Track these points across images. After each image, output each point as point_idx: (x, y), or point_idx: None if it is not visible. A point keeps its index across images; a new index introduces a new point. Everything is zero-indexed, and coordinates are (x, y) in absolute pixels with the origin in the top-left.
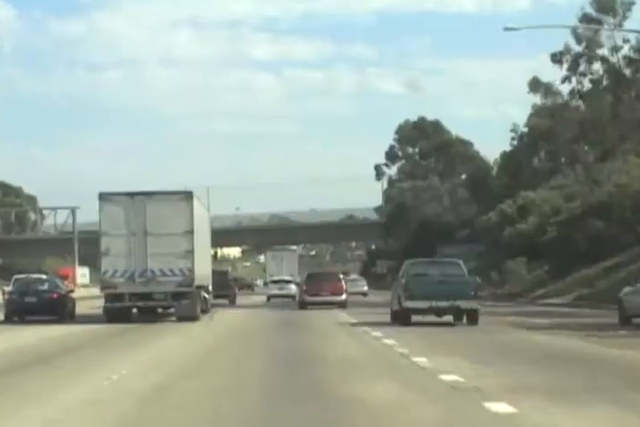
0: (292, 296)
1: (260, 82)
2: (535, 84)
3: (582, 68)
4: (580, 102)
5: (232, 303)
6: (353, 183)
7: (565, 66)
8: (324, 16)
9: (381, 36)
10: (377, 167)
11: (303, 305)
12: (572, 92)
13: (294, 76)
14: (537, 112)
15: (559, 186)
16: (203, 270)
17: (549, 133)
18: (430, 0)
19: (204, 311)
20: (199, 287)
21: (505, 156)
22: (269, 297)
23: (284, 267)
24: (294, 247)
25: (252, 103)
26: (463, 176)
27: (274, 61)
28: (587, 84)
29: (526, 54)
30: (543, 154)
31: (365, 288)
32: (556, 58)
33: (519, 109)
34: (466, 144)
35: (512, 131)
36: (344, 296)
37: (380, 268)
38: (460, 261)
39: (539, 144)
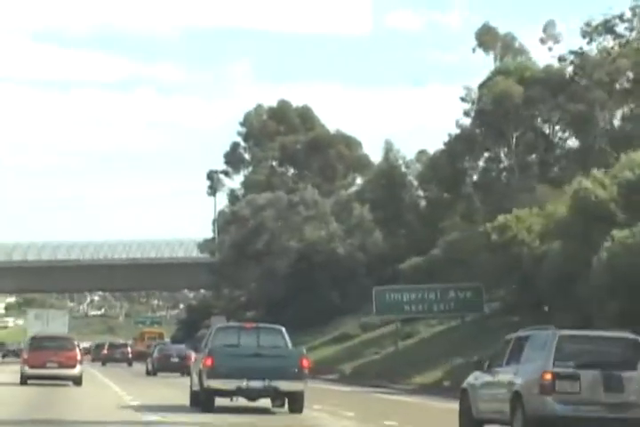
0: None
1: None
2: (488, 35)
3: None
4: None
5: None
6: (162, 204)
7: None
8: (122, 29)
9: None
10: (211, 175)
11: (24, 379)
12: None
13: (85, 98)
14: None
15: None
16: None
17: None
18: (249, 16)
19: None
20: None
21: (440, 153)
22: None
23: (50, 331)
24: (70, 304)
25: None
26: (353, 189)
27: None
28: None
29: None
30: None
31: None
32: None
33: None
34: (352, 142)
35: (463, 99)
36: (78, 369)
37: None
38: (282, 329)
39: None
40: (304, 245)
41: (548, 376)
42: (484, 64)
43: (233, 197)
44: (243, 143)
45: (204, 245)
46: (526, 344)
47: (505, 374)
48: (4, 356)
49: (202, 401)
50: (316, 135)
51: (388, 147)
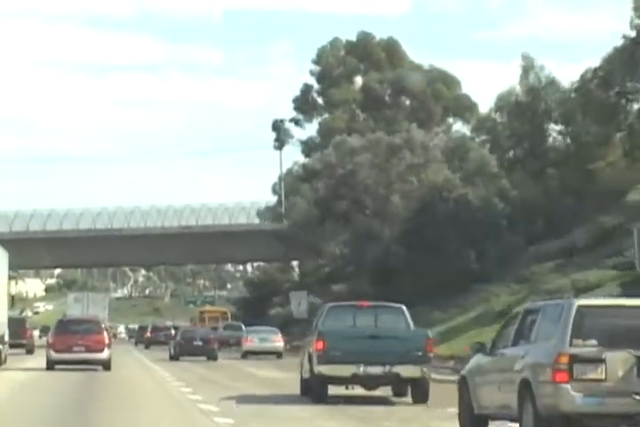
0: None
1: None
2: None
3: None
4: None
5: (30, 353)
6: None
7: None
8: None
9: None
10: (277, 125)
11: (50, 365)
12: None
13: (121, 82)
14: None
15: None
16: None
17: None
18: None
19: None
20: None
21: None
22: None
23: (90, 313)
24: (112, 285)
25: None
26: (455, 127)
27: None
28: None
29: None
30: None
31: (280, 345)
32: None
33: None
34: (450, 80)
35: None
36: (106, 353)
37: (296, 306)
38: (403, 307)
39: None
40: (423, 192)
41: (564, 359)
42: None
43: (307, 147)
44: (316, 85)
45: (265, 213)
46: (537, 319)
47: (511, 358)
48: None
49: (313, 390)
50: (407, 71)
51: (527, 64)
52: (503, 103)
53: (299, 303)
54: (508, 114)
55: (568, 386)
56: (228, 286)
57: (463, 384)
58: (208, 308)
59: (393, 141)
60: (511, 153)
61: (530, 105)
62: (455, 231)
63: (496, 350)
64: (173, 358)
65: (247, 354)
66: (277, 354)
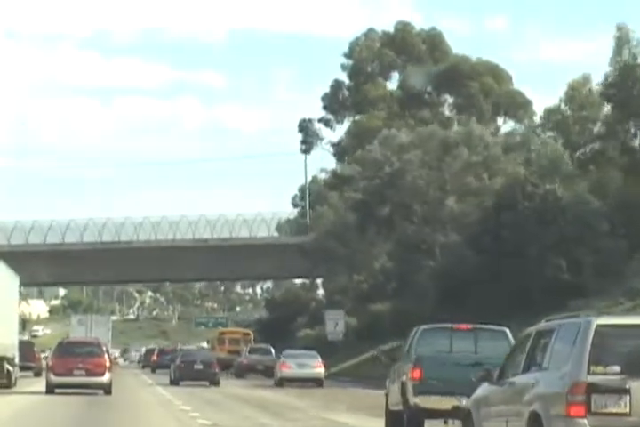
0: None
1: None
2: None
3: None
4: None
5: (37, 375)
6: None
7: None
8: (167, 34)
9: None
10: (304, 126)
11: (50, 388)
12: None
13: (126, 107)
14: None
15: None
16: (4, 339)
17: None
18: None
19: (7, 386)
20: None
21: None
22: None
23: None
24: (118, 307)
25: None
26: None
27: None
28: None
29: None
30: None
31: (321, 371)
32: None
33: None
34: (500, 74)
35: None
36: (107, 377)
37: (332, 327)
38: (506, 330)
39: None
40: (501, 187)
41: (581, 389)
42: None
43: (339, 150)
44: (348, 81)
45: (285, 225)
46: (551, 341)
47: (520, 387)
48: None
49: (407, 424)
50: (451, 65)
51: (622, 36)
52: (575, 93)
53: (335, 324)
54: (580, 105)
55: (585, 421)
56: (237, 308)
57: (467, 419)
58: (229, 329)
59: (448, 136)
60: (587, 148)
61: (622, 87)
62: (539, 234)
63: (504, 378)
64: (173, 382)
65: (283, 381)
66: (318, 382)
